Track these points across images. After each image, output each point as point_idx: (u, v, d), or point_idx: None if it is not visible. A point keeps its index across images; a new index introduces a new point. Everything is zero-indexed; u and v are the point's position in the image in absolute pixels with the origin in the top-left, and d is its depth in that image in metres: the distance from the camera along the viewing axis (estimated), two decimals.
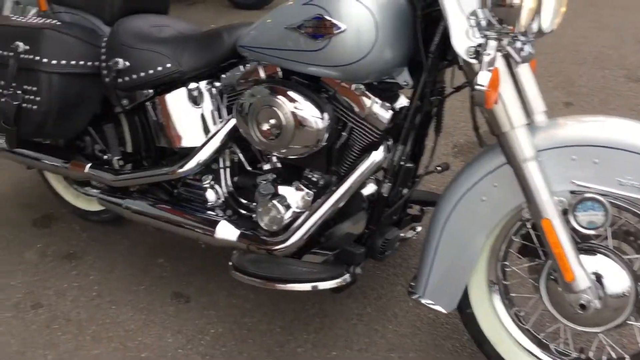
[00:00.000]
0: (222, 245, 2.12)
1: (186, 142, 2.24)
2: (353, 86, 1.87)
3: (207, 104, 2.20)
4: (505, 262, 1.89)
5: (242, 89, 2.08)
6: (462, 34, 1.59)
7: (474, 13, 1.56)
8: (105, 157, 2.50)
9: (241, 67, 2.10)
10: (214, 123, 2.20)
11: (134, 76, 2.20)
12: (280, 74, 2.00)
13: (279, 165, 2.10)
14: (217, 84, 2.21)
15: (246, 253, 2.02)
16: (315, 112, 1.88)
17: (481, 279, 1.90)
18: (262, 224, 2.07)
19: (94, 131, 2.53)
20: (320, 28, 1.76)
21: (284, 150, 1.96)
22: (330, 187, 2.00)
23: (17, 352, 2.20)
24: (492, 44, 1.52)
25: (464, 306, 1.92)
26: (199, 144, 2.20)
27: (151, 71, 2.18)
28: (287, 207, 2.03)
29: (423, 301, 1.92)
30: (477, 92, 1.48)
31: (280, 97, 1.91)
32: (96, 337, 2.25)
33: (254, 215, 2.17)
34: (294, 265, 1.90)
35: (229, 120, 2.16)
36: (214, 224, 2.12)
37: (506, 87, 1.62)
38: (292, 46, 1.86)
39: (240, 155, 2.22)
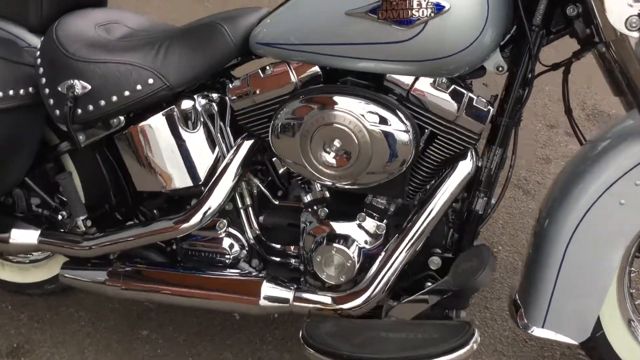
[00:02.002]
0: (269, 313, 1.60)
1: (182, 182, 1.65)
2: (435, 81, 1.42)
3: (206, 127, 1.63)
4: (632, 268, 1.59)
5: (268, 102, 1.54)
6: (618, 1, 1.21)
7: None
8: (59, 217, 1.81)
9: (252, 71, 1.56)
10: (220, 151, 1.64)
11: (102, 103, 1.56)
12: (315, 74, 1.49)
13: (326, 194, 1.60)
14: (215, 95, 1.64)
15: (321, 321, 1.51)
16: (397, 122, 1.40)
17: (612, 294, 1.57)
18: (323, 277, 1.57)
19: (31, 182, 1.82)
20: (410, 10, 1.29)
21: (356, 180, 1.46)
22: (407, 213, 1.56)
23: None
24: None
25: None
26: (201, 182, 1.64)
27: (127, 93, 1.55)
28: (357, 248, 1.55)
29: (543, 335, 1.56)
30: None
31: (343, 108, 1.41)
32: None
33: (290, 261, 1.67)
34: (399, 331, 1.43)
35: (240, 144, 1.61)
36: (254, 286, 1.58)
37: None
38: (358, 38, 1.36)
39: (262, 187, 1.68)
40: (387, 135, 1.40)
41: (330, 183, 1.50)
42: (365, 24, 1.33)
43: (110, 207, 1.77)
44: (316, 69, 1.49)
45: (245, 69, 1.73)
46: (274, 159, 1.74)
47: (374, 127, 1.39)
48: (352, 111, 1.40)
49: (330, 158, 1.44)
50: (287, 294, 1.56)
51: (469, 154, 1.49)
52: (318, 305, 1.55)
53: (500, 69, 1.43)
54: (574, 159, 1.59)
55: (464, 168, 1.49)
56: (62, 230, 1.78)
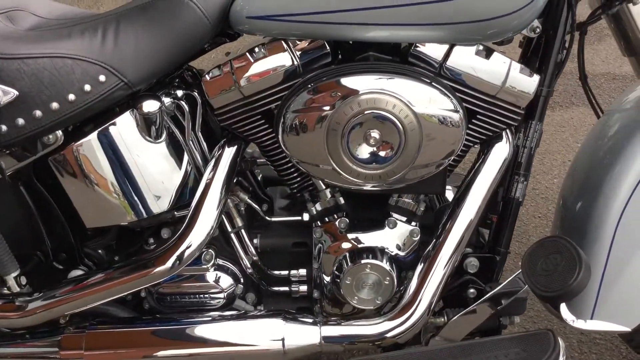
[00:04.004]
0: (293, 359, 1.26)
1: (151, 208, 1.25)
2: (473, 49, 1.18)
3: (172, 134, 1.25)
4: None
5: (264, 93, 1.20)
6: None
7: None
8: None
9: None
10: (193, 163, 1.28)
11: (37, 113, 1.11)
12: (322, 52, 1.19)
13: (340, 200, 1.30)
14: (179, 92, 1.26)
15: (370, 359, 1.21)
16: (445, 100, 1.14)
17: None
18: (354, 302, 1.28)
19: None
20: None
21: (398, 177, 1.18)
22: (440, 212, 1.30)
23: None
24: None
25: None
26: (171, 205, 1.26)
27: (72, 97, 1.13)
28: (393, 261, 1.27)
29: (594, 326, 1.39)
30: None
31: (383, 89, 1.12)
32: None
33: (296, 288, 1.35)
34: (475, 353, 1.17)
35: (221, 153, 1.26)
36: (272, 329, 1.23)
37: None
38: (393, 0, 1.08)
39: (252, 203, 1.34)
40: (438, 118, 1.13)
41: (360, 185, 1.20)
42: None
43: (44, 254, 1.31)
44: (324, 45, 1.19)
45: (206, 58, 1.38)
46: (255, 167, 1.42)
47: (422, 109, 1.12)
48: (395, 92, 1.11)
49: (366, 154, 1.15)
50: (314, 332, 1.24)
51: (504, 134, 1.27)
52: (354, 340, 1.24)
53: (537, 30, 1.23)
54: (596, 134, 1.44)
55: (501, 151, 1.26)
56: None
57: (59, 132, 1.18)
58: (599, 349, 1.73)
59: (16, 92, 1.10)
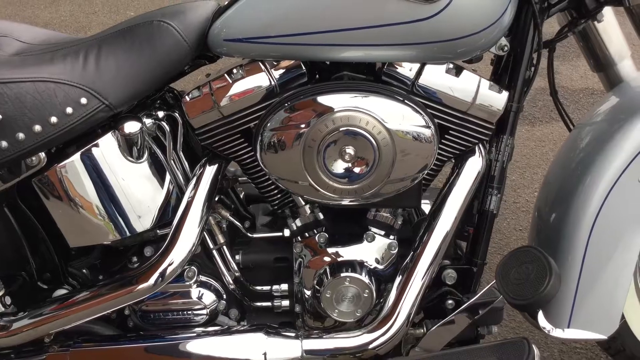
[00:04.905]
0: None
1: (134, 227, 1.28)
2: (443, 68, 1.23)
3: (153, 154, 1.28)
4: None
5: (242, 113, 1.24)
6: None
7: None
8: None
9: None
10: (174, 182, 1.31)
11: (20, 136, 1.14)
12: (299, 71, 1.23)
13: (319, 216, 1.33)
14: (160, 113, 1.30)
15: None
16: (416, 117, 1.18)
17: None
18: (334, 315, 1.30)
19: None
20: None
21: (373, 192, 1.21)
22: (417, 225, 1.34)
23: None
24: None
25: None
26: (154, 224, 1.29)
27: (54, 119, 1.16)
28: (371, 274, 1.30)
29: (571, 335, 1.42)
30: None
31: (356, 107, 1.15)
32: None
33: (278, 303, 1.38)
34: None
35: (202, 171, 1.29)
36: (255, 344, 1.26)
37: None
38: (361, 21, 1.13)
39: (234, 220, 1.36)
40: (411, 134, 1.17)
41: (337, 200, 1.23)
42: (376, 2, 1.10)
43: (28, 274, 1.33)
44: (300, 66, 1.22)
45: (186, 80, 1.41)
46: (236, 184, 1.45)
47: (395, 125, 1.16)
48: (368, 110, 1.15)
49: (342, 170, 1.18)
50: (295, 345, 1.26)
51: (477, 148, 1.31)
52: (335, 352, 1.27)
53: (505, 48, 1.27)
54: (568, 146, 1.48)
55: (474, 165, 1.30)
56: None
57: (42, 154, 1.21)
58: (579, 357, 1.76)
59: None
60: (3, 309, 1.26)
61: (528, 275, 1.18)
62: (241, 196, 1.48)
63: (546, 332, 1.41)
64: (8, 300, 1.27)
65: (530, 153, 2.70)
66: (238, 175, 1.45)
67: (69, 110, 1.16)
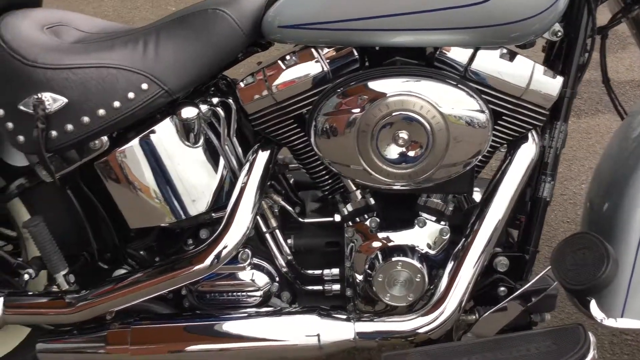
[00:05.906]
0: (329, 354, 1.30)
1: (190, 210, 1.32)
2: (497, 53, 1.23)
3: (209, 139, 1.32)
4: None
5: (296, 99, 1.26)
6: None
7: None
8: (26, 276, 1.36)
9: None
10: (229, 167, 1.34)
11: (85, 120, 1.19)
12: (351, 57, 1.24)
13: (371, 201, 1.34)
14: (215, 99, 1.33)
15: (403, 353, 1.25)
16: (471, 102, 1.18)
17: None
18: (386, 299, 1.32)
19: None
20: None
21: (426, 177, 1.22)
22: (469, 212, 1.34)
23: None
24: None
25: None
26: (212, 207, 1.32)
27: (117, 104, 1.20)
28: (423, 259, 1.31)
29: (624, 324, 1.39)
30: None
31: (411, 92, 1.17)
32: None
33: (329, 287, 1.40)
34: (505, 347, 1.20)
35: (255, 156, 1.32)
36: (308, 325, 1.28)
37: None
38: (415, 5, 1.13)
39: (286, 205, 1.39)
40: (465, 119, 1.18)
41: (390, 185, 1.24)
42: None
43: (90, 254, 1.39)
44: (352, 52, 1.24)
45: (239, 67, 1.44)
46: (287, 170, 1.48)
47: (449, 110, 1.17)
48: (422, 94, 1.16)
49: (395, 154, 1.19)
50: (348, 327, 1.28)
51: (530, 135, 1.30)
52: (387, 336, 1.28)
53: (558, 34, 1.26)
54: (620, 135, 1.47)
55: (528, 152, 1.30)
56: (30, 293, 1.36)
57: (105, 138, 1.26)
58: (631, 349, 1.73)
59: (65, 100, 1.18)
60: (67, 287, 1.31)
61: (585, 260, 1.17)
62: (291, 182, 1.51)
63: (599, 321, 1.39)
64: (72, 278, 1.32)
65: (576, 145, 2.65)
66: (288, 161, 1.48)
67: (131, 95, 1.21)
